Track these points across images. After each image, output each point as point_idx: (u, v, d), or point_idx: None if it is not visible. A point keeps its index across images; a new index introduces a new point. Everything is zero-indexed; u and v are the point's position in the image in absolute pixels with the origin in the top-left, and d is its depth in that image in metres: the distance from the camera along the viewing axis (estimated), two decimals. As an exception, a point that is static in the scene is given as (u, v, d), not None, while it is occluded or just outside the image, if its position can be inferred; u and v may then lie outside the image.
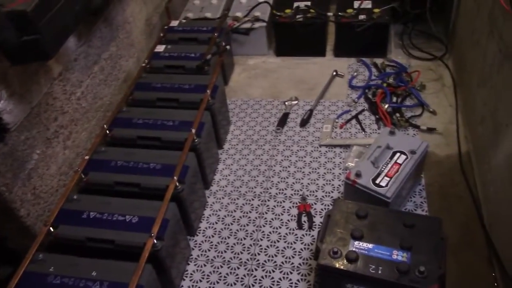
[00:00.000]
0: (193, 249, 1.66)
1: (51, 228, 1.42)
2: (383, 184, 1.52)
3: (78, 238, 1.40)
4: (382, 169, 1.57)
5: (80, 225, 1.43)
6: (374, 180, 1.54)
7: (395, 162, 1.58)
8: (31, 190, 1.48)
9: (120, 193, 1.54)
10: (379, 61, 2.33)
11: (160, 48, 2.13)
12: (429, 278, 1.23)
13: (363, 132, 1.99)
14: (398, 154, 1.60)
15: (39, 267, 1.32)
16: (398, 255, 1.30)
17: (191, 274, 1.58)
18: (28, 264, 1.32)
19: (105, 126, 1.75)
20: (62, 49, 1.58)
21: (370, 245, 1.34)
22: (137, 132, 1.73)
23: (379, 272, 1.27)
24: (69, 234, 1.42)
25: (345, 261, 1.31)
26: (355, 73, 2.30)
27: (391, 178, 1.53)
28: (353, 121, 2.05)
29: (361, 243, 1.35)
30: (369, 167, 1.58)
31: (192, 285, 1.55)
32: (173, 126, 1.73)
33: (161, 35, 2.23)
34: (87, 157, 1.63)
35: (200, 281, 1.56)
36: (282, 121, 2.10)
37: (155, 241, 1.36)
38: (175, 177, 1.52)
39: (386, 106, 2.02)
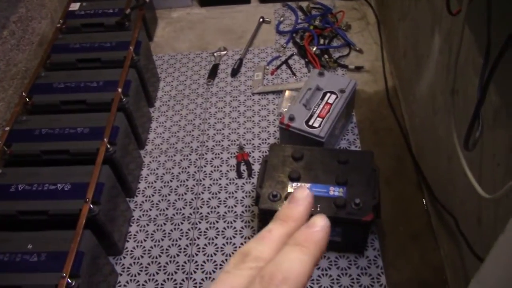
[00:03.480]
0: (134, 210, 1.63)
1: (-24, 207, 1.34)
2: (316, 125, 1.55)
3: (8, 213, 1.33)
4: (314, 110, 1.59)
5: (9, 199, 1.35)
6: (307, 122, 1.56)
7: (326, 102, 1.61)
8: None
9: (49, 162, 1.47)
10: (304, 4, 2.31)
11: (75, 6, 1.99)
12: (364, 208, 1.29)
13: (294, 77, 2.00)
14: (328, 95, 1.63)
15: (-32, 248, 1.25)
16: (335, 191, 1.35)
17: (135, 234, 1.56)
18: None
19: (23, 93, 1.64)
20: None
21: (308, 185, 1.37)
22: (60, 97, 1.64)
23: (318, 209, 1.31)
24: (-3, 210, 1.34)
25: (285, 203, 1.34)
26: (282, 18, 2.28)
27: (323, 118, 1.56)
28: (284, 67, 2.05)
29: (299, 184, 1.38)
30: (302, 109, 1.60)
31: (137, 246, 1.53)
32: (98, 87, 1.65)
33: (75, -8, 2.08)
34: (7, 128, 1.53)
35: (145, 240, 1.54)
36: (213, 73, 2.06)
37: (91, 206, 1.32)
38: (105, 139, 1.46)
39: (314, 48, 2.03)
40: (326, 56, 2.02)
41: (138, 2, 1.97)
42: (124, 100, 1.61)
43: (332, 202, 1.32)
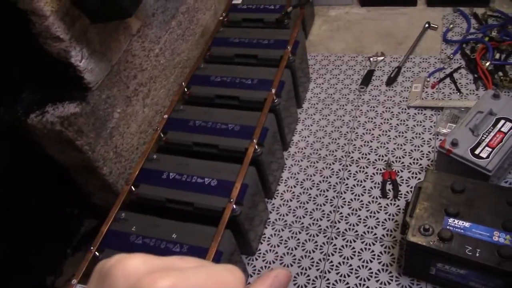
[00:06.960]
0: (270, 212, 1.62)
1: (132, 187, 1.43)
2: (483, 155, 1.37)
3: (158, 199, 1.40)
4: (483, 138, 1.40)
5: (160, 185, 1.42)
6: (472, 150, 1.39)
7: (499, 131, 1.41)
8: (113, 149, 1.49)
9: (198, 154, 1.52)
10: (480, 11, 2.06)
11: (238, 0, 2.03)
12: (537, 266, 1.10)
13: (458, 93, 1.80)
14: (502, 121, 1.43)
15: (122, 226, 1.34)
16: (500, 237, 1.17)
17: (269, 238, 1.55)
18: (111, 222, 1.35)
19: (183, 84, 1.71)
20: (140, 4, 1.53)
21: (467, 224, 1.22)
22: (215, 91, 1.68)
23: (477, 254, 1.16)
24: (149, 194, 1.42)
25: (438, 239, 1.20)
26: (451, 25, 2.06)
27: (493, 148, 1.37)
28: (447, 80, 1.86)
29: (456, 221, 1.23)
30: (467, 135, 1.42)
31: (270, 249, 1.52)
32: (252, 85, 1.66)
33: (239, -15, 2.11)
34: (166, 116, 1.61)
35: (278, 246, 1.52)
36: (367, 79, 1.95)
37: (234, 206, 1.32)
38: (254, 140, 1.46)
39: (487, 63, 1.80)
40: (500, 74, 1.78)
41: (301, 1, 1.92)
42: (276, 101, 1.59)
43: (496, 249, 1.15)
